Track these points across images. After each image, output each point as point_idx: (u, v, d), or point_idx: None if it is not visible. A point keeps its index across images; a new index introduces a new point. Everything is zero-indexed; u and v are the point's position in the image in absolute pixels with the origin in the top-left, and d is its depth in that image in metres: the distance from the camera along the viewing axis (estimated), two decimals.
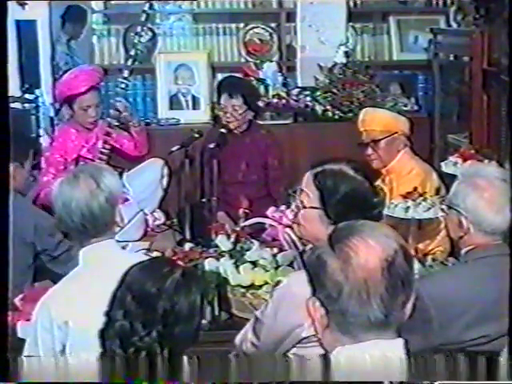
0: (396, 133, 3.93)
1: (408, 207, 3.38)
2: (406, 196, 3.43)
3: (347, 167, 2.34)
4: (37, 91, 5.03)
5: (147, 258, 3.04)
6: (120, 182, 2.73)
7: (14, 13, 4.67)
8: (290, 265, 3.23)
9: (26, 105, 4.93)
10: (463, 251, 2.52)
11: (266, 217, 3.54)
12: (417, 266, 2.93)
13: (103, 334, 1.81)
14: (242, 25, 5.48)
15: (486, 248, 2.45)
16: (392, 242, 1.57)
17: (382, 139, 3.91)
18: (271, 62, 5.34)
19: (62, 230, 2.58)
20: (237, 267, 3.20)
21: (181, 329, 1.81)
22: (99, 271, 2.38)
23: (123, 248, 2.87)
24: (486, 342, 2.33)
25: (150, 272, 1.84)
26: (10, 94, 3.78)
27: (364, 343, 1.55)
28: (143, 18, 4.82)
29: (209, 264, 3.33)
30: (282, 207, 3.52)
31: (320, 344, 1.66)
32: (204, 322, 3.13)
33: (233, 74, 5.08)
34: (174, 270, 1.84)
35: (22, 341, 2.50)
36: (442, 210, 2.97)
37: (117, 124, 4.57)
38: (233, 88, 4.52)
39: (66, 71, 4.68)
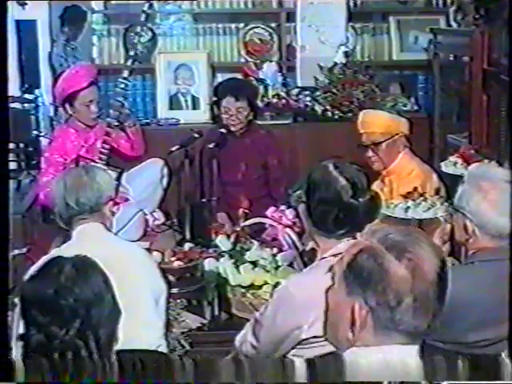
0: (397, 134, 3.93)
1: (408, 207, 3.38)
2: (406, 196, 3.44)
3: (332, 165, 2.34)
4: (37, 91, 5.03)
5: (132, 244, 3.15)
6: (110, 178, 2.97)
7: (13, 13, 4.67)
8: (290, 265, 3.24)
9: (26, 105, 4.93)
10: (469, 253, 2.50)
11: (266, 217, 3.54)
12: None
13: (26, 355, 1.81)
14: (241, 25, 5.48)
15: (492, 251, 2.42)
16: (440, 252, 1.58)
17: (383, 142, 3.90)
18: (271, 62, 5.34)
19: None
20: (237, 267, 3.20)
21: (96, 314, 1.82)
22: (87, 248, 2.39)
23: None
24: (486, 346, 2.32)
25: (41, 278, 1.87)
26: (10, 93, 3.78)
27: (378, 347, 1.55)
28: (143, 17, 4.82)
29: (209, 264, 3.33)
30: (282, 207, 3.52)
31: (335, 343, 1.65)
32: (204, 321, 3.16)
33: (234, 77, 5.07)
34: (64, 265, 1.86)
35: None
36: (447, 211, 2.95)
37: (116, 124, 4.56)
38: (238, 91, 4.49)
39: (61, 73, 4.67)
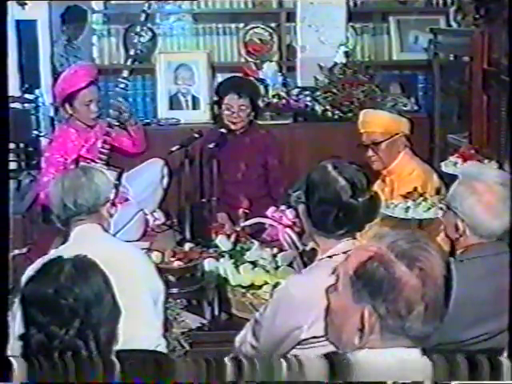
0: (397, 134, 3.93)
1: (408, 207, 3.38)
2: (406, 196, 3.43)
3: (331, 165, 2.34)
4: (37, 91, 5.02)
5: (130, 244, 3.15)
6: (108, 179, 2.96)
7: (13, 13, 4.67)
8: (290, 265, 3.24)
9: (26, 105, 4.92)
10: (459, 252, 2.50)
11: (266, 217, 3.54)
12: None
13: (26, 354, 1.82)
14: (241, 25, 5.48)
15: (481, 247, 2.44)
16: (445, 254, 1.58)
17: (383, 141, 3.90)
18: (271, 62, 5.34)
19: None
20: (237, 267, 3.20)
21: (96, 313, 1.82)
22: (85, 249, 2.41)
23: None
24: (485, 340, 2.32)
25: (41, 278, 1.87)
26: (10, 93, 3.77)
27: (383, 349, 1.55)
28: (143, 17, 4.83)
29: (209, 264, 3.33)
30: (282, 207, 3.52)
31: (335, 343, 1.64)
32: (204, 321, 3.16)
33: (237, 75, 5.08)
34: (64, 265, 1.86)
35: None
36: (441, 209, 2.95)
37: (116, 124, 4.57)
38: (241, 88, 4.52)
39: (61, 73, 4.68)
